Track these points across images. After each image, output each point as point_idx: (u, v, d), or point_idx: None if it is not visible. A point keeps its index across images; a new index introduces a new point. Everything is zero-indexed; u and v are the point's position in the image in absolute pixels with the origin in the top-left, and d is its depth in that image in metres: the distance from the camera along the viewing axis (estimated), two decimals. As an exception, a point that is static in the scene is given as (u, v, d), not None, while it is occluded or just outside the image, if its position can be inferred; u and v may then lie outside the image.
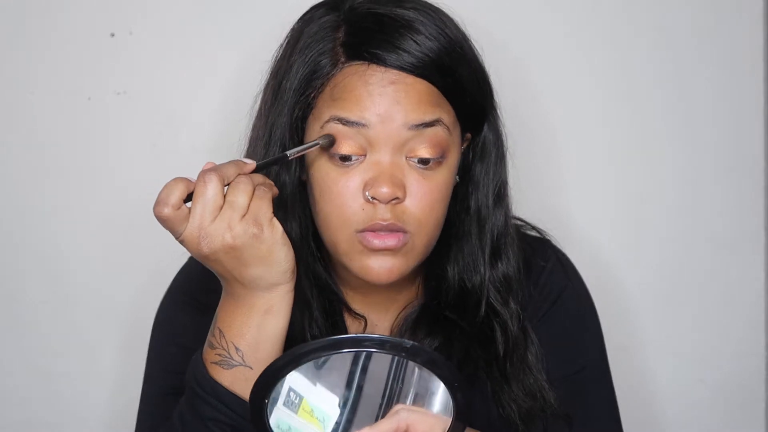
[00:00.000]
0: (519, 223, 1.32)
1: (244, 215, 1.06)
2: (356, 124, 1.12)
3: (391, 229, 1.13)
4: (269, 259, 1.08)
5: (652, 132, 1.72)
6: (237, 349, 1.11)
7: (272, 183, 1.12)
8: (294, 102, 1.17)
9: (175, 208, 1.04)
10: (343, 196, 1.14)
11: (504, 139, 1.25)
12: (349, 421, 1.02)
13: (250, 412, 1.04)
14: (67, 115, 1.64)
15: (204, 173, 1.06)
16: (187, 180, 1.06)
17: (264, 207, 1.07)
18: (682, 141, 1.72)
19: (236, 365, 1.11)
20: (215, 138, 1.63)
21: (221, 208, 1.06)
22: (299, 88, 1.16)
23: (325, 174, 1.15)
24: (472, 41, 1.20)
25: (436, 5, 1.19)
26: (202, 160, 1.62)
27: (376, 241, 1.14)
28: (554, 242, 1.34)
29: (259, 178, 1.10)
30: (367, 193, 1.13)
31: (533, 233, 1.34)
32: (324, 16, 1.17)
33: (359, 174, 1.13)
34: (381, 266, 1.15)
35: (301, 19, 1.21)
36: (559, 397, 1.24)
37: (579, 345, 1.29)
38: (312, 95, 1.15)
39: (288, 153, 1.12)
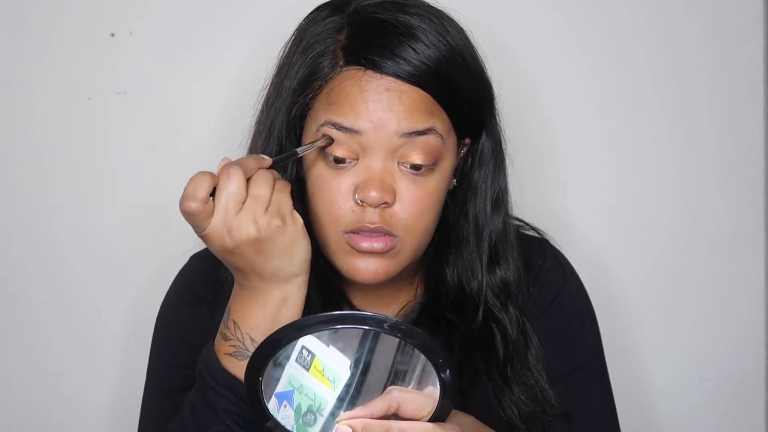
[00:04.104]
0: (518, 223, 1.33)
1: (268, 207, 1.07)
2: (349, 130, 1.13)
3: (379, 232, 1.15)
4: (290, 251, 1.09)
5: (652, 132, 1.72)
6: (252, 340, 1.11)
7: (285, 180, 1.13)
8: (292, 101, 1.18)
9: (203, 203, 1.05)
10: (334, 197, 1.15)
11: (503, 146, 1.25)
12: (359, 386, 1.03)
13: (246, 392, 1.05)
14: (67, 115, 1.64)
15: (227, 167, 1.06)
16: (211, 174, 1.06)
17: (285, 199, 1.09)
18: (682, 141, 1.72)
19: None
20: (215, 138, 1.63)
21: (244, 201, 1.06)
22: (298, 88, 1.17)
23: (319, 174, 1.16)
24: (477, 49, 1.20)
25: (441, 10, 1.19)
26: (202, 160, 1.63)
27: (364, 244, 1.15)
28: (552, 242, 1.35)
29: (275, 173, 1.11)
30: (356, 196, 1.14)
31: (532, 233, 1.34)
32: (328, 17, 1.18)
33: (351, 177, 1.15)
34: (367, 267, 1.16)
35: (306, 18, 1.21)
36: (558, 396, 1.24)
37: (576, 343, 1.30)
38: (310, 95, 1.16)
39: (298, 150, 1.14)
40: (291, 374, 1.03)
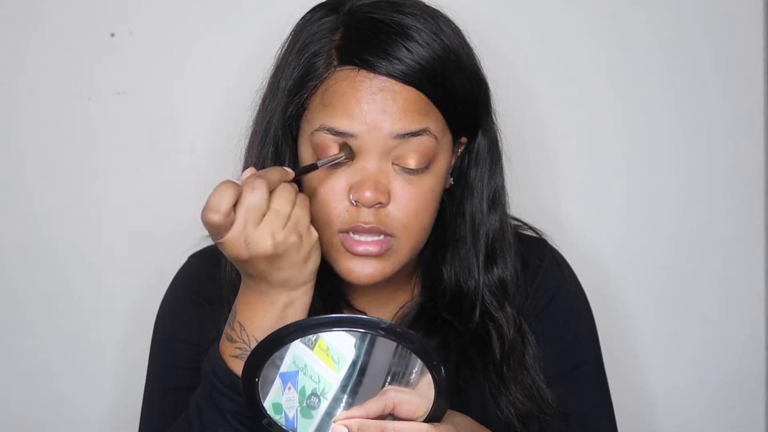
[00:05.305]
0: (516, 222, 1.33)
1: (287, 223, 1.07)
2: (344, 134, 1.14)
3: (373, 233, 1.15)
4: (302, 266, 1.10)
5: (651, 132, 1.71)
6: (257, 342, 1.11)
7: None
8: (287, 102, 1.18)
9: (225, 216, 1.05)
10: (329, 197, 1.16)
11: (500, 145, 1.26)
12: (357, 386, 1.03)
13: (242, 391, 1.05)
14: (67, 115, 1.64)
15: (252, 179, 1.07)
16: (235, 184, 1.06)
17: (303, 215, 1.09)
18: (682, 141, 1.72)
19: None
20: (215, 138, 1.63)
21: (265, 214, 1.06)
22: (293, 88, 1.17)
23: (313, 174, 1.17)
24: (473, 48, 1.20)
25: (437, 9, 1.19)
26: (202, 160, 1.64)
27: (359, 248, 1.15)
28: (550, 242, 1.35)
29: (296, 186, 1.11)
30: (351, 197, 1.14)
31: (530, 233, 1.34)
32: (324, 17, 1.18)
33: (345, 177, 1.15)
34: (363, 269, 1.17)
35: (302, 18, 1.22)
36: (556, 396, 1.24)
37: (574, 343, 1.30)
38: (305, 95, 1.17)
39: (317, 163, 1.14)
40: (296, 354, 1.02)
